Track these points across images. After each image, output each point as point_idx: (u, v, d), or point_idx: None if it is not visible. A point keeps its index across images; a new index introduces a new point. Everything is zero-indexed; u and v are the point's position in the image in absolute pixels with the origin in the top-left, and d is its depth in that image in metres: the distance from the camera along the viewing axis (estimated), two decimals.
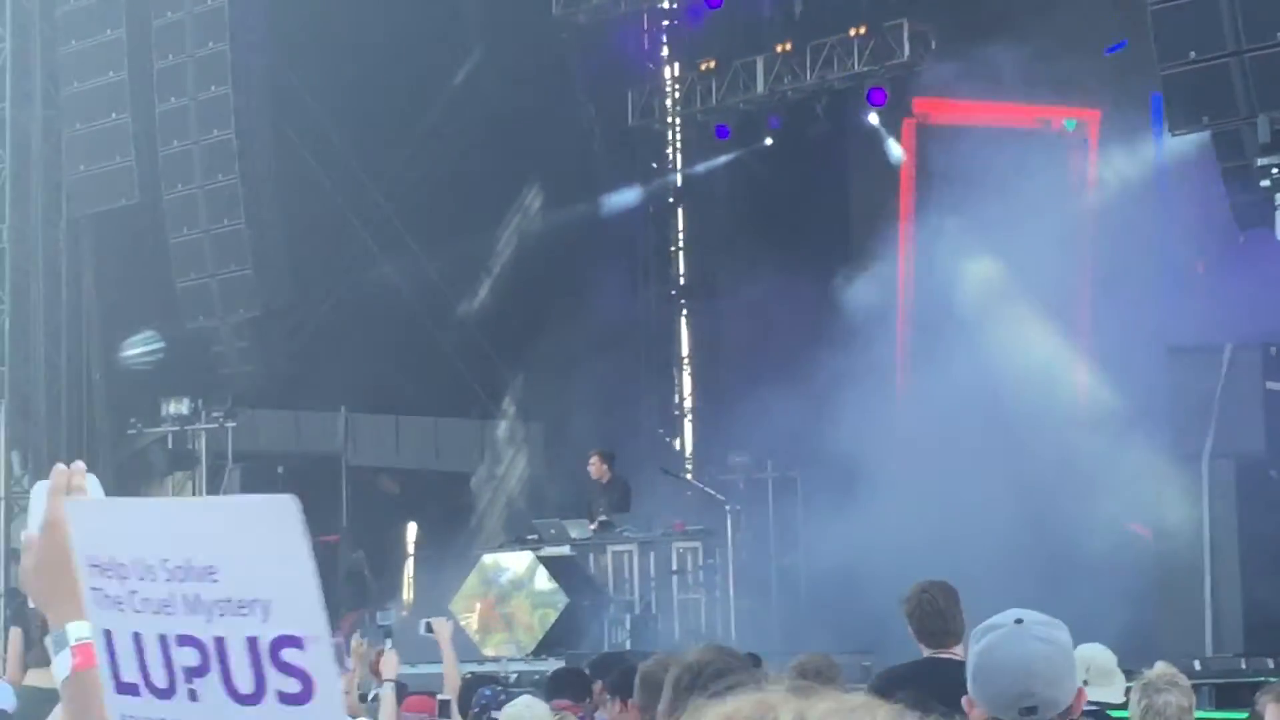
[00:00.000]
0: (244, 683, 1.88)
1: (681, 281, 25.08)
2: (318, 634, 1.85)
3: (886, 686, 6.21)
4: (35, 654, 7.30)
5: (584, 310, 21.29)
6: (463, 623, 16.38)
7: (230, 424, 20.02)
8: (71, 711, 2.32)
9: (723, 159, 23.76)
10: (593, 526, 17.88)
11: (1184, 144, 15.60)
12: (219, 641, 1.87)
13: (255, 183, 20.12)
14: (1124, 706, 6.57)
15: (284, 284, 20.47)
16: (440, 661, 10.82)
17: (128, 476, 21.05)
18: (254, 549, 1.84)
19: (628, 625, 17.03)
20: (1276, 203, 14.26)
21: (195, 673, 1.89)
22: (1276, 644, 13.50)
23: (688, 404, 24.84)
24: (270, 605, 1.84)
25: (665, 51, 24.72)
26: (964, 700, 3.86)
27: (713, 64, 23.33)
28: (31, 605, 2.36)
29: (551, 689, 9.56)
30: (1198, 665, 12.69)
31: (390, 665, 9.52)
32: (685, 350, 25.06)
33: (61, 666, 2.33)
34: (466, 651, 15.03)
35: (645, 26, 24.71)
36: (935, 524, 16.17)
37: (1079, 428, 17.48)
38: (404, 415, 22.67)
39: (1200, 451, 14.43)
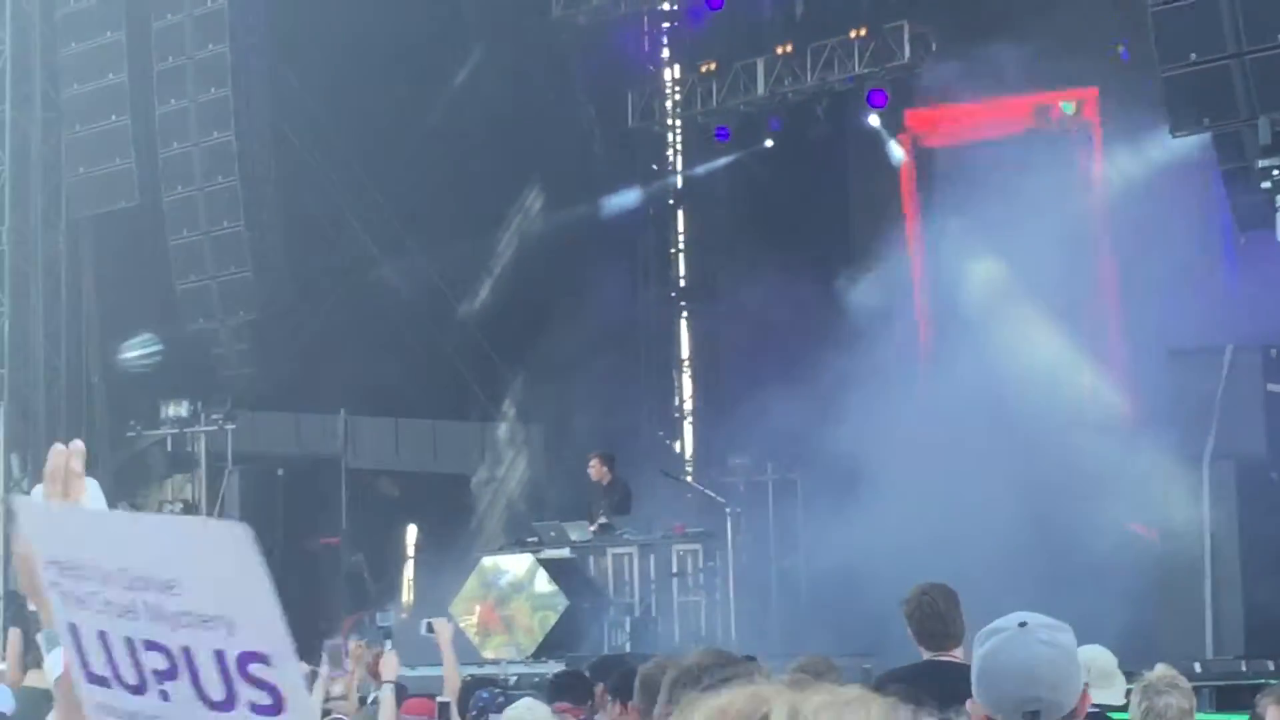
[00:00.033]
0: (214, 691, 1.84)
1: (681, 283, 25.07)
2: (284, 654, 1.80)
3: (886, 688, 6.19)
4: (35, 655, 7.28)
5: (584, 312, 21.28)
6: (462, 625, 16.36)
7: (230, 426, 20.00)
8: (64, 710, 2.26)
9: (723, 161, 23.74)
10: (593, 529, 17.87)
11: (1186, 144, 15.58)
12: (186, 650, 1.82)
13: (255, 185, 20.11)
14: (1124, 709, 6.56)
15: (284, 286, 20.46)
16: (440, 664, 10.80)
17: (127, 479, 21.05)
18: (214, 570, 1.79)
19: (628, 628, 17.01)
20: (1277, 204, 14.24)
21: (165, 675, 1.85)
22: (1277, 646, 13.49)
23: (688, 406, 24.82)
24: (234, 623, 1.79)
25: (666, 53, 24.71)
26: (968, 704, 3.85)
27: (713, 66, 23.32)
28: (31, 608, 2.32)
29: (553, 692, 9.54)
30: (1198, 667, 12.68)
31: (390, 667, 9.51)
32: (685, 352, 25.05)
33: (54, 665, 2.30)
34: (466, 654, 15.01)
35: (645, 28, 24.71)
36: (935, 525, 16.15)
37: (1080, 429, 17.46)
38: (404, 417, 22.67)
39: (1201, 453, 14.43)
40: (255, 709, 1.81)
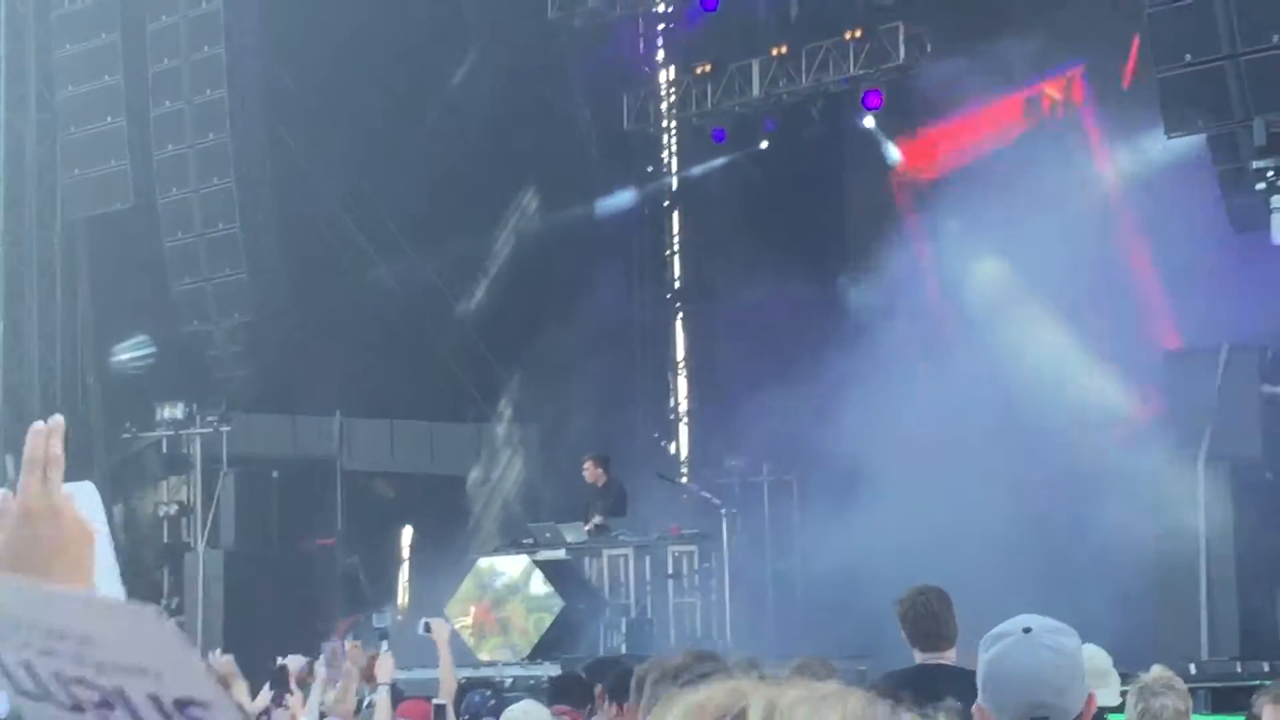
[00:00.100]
0: None
1: (677, 285, 25.08)
2: (223, 703, 1.75)
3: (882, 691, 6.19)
4: None
5: (580, 313, 21.28)
6: (458, 626, 16.35)
7: (225, 428, 19.97)
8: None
9: (718, 162, 23.75)
10: (588, 530, 17.86)
11: (1184, 144, 15.57)
12: (119, 689, 1.76)
13: (250, 186, 20.10)
14: (1120, 709, 6.55)
15: (279, 288, 20.45)
16: (434, 666, 10.79)
17: (122, 480, 21.05)
18: (128, 635, 1.72)
19: (623, 629, 16.99)
20: (1272, 205, 14.24)
21: (102, 705, 1.79)
22: (1272, 647, 13.51)
23: (683, 407, 24.81)
24: (163, 675, 1.73)
25: (661, 55, 24.71)
26: (974, 709, 3.85)
27: (708, 67, 23.32)
28: None
29: (553, 695, 9.54)
30: (1193, 668, 12.68)
31: (385, 668, 9.50)
32: (681, 353, 25.04)
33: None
34: (461, 656, 15.01)
35: (641, 30, 24.70)
36: (932, 527, 16.15)
37: (1077, 431, 17.48)
38: (399, 419, 22.65)
39: (1197, 454, 14.43)
40: None
